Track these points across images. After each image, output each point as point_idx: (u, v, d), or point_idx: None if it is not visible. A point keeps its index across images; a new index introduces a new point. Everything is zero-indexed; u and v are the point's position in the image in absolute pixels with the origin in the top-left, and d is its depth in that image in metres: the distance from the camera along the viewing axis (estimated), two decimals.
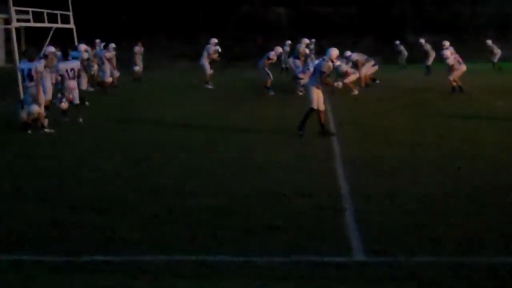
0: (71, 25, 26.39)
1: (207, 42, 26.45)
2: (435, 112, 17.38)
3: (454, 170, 10.13)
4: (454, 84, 22.31)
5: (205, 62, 26.10)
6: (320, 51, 40.04)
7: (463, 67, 22.49)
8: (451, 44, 25.08)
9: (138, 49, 28.89)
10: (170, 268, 6.13)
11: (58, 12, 24.77)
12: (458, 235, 6.92)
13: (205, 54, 26.09)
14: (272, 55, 23.63)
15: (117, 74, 25.38)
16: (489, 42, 31.08)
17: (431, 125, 14.99)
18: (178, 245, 6.73)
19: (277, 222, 7.42)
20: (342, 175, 9.89)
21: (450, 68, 22.43)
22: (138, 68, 28.86)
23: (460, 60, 22.43)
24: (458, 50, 25.85)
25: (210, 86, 25.69)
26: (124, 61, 28.30)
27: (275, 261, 6.26)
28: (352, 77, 23.13)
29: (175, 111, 18.30)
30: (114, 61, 25.08)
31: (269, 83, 23.21)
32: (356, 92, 22.24)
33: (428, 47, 30.48)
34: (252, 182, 9.53)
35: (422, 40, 30.89)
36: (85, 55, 21.63)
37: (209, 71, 26.13)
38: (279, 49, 24.46)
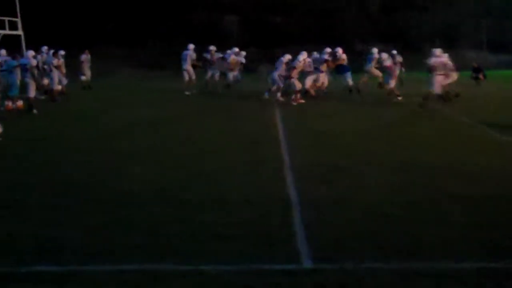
0: (19, 32, 25.99)
1: (186, 49, 26.63)
2: (386, 120, 17.58)
3: (401, 177, 10.23)
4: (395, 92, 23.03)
5: (189, 67, 26.16)
6: (273, 60, 40.36)
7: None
8: (399, 53, 25.51)
9: (85, 57, 28.61)
10: (117, 278, 6.05)
11: (6, 19, 24.38)
12: (405, 241, 6.99)
13: (188, 60, 26.15)
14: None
15: (65, 81, 25.03)
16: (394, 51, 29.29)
17: (381, 133, 15.14)
18: (125, 254, 6.64)
19: (225, 230, 7.39)
20: (291, 182, 9.89)
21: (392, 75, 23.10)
22: (85, 77, 28.59)
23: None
24: (405, 59, 26.38)
25: (187, 93, 25.76)
26: (73, 68, 27.97)
27: (223, 269, 6.23)
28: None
29: (123, 118, 18.15)
30: (63, 68, 24.75)
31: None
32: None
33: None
34: (201, 190, 9.48)
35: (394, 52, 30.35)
36: (33, 62, 21.29)
37: (193, 76, 26.20)
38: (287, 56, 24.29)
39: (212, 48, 27.51)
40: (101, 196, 9.14)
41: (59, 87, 24.08)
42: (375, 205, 8.48)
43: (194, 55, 26.49)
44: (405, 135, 14.72)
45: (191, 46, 26.70)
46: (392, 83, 23.18)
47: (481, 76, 29.87)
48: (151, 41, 44.27)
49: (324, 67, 24.16)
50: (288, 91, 22.60)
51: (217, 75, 27.26)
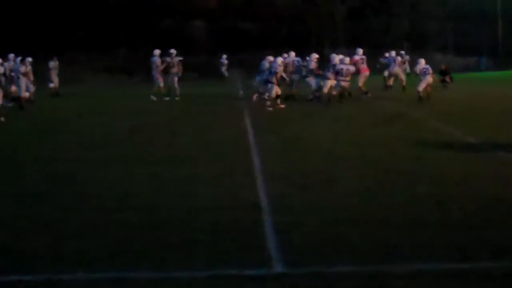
0: None
1: (153, 55, 26.59)
2: (357, 124, 17.74)
3: (372, 180, 10.35)
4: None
5: (156, 74, 26.08)
6: (241, 63, 40.43)
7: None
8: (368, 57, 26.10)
9: (53, 64, 28.40)
10: (89, 286, 6.04)
11: None
12: (376, 244, 7.05)
13: (153, 66, 26.10)
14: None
15: (32, 88, 24.80)
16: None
17: (351, 137, 15.26)
18: (97, 262, 6.62)
19: (197, 236, 7.39)
20: (262, 187, 9.93)
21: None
22: (53, 84, 28.39)
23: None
24: (374, 64, 26.77)
25: (154, 98, 25.76)
26: (40, 75, 27.75)
27: (195, 275, 6.24)
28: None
29: (93, 124, 18.07)
30: (31, 75, 24.55)
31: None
32: None
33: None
34: (173, 196, 9.49)
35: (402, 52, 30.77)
36: (0, 70, 21.11)
37: (161, 83, 26.16)
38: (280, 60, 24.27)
39: (173, 51, 27.48)
40: (73, 203, 9.10)
41: (27, 94, 23.85)
42: (347, 209, 8.56)
43: (159, 61, 26.45)
44: (377, 139, 14.84)
45: (157, 52, 26.68)
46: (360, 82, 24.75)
47: (448, 78, 30.26)
48: (119, 47, 44.14)
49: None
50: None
51: (176, 79, 27.22)
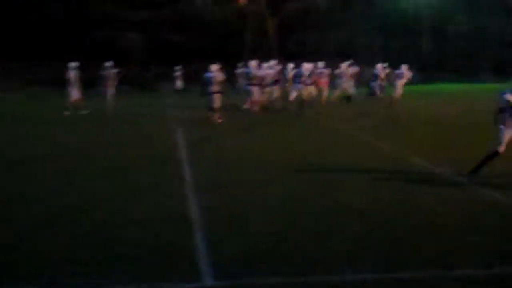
0: None
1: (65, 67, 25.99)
2: (285, 135, 17.94)
3: (299, 191, 10.47)
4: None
5: (69, 87, 25.56)
6: (170, 77, 40.35)
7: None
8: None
9: None
10: None
11: None
12: (304, 255, 7.13)
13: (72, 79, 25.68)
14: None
15: None
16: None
17: (280, 149, 15.40)
18: (26, 278, 6.50)
19: (126, 250, 7.33)
20: (193, 200, 9.91)
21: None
22: None
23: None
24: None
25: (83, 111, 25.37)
26: None
27: None
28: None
29: (24, 137, 17.75)
30: None
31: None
32: None
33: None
34: (104, 209, 9.37)
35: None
36: None
37: (75, 97, 25.64)
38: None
39: (108, 64, 27.20)
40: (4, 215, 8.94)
41: None
42: (279, 220, 8.63)
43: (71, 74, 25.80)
44: (308, 151, 15.06)
45: (73, 65, 26.02)
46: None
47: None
48: (50, 58, 43.35)
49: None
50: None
51: (110, 94, 26.99)
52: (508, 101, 11.21)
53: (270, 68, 26.36)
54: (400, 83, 27.00)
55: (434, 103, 28.31)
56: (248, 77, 25.87)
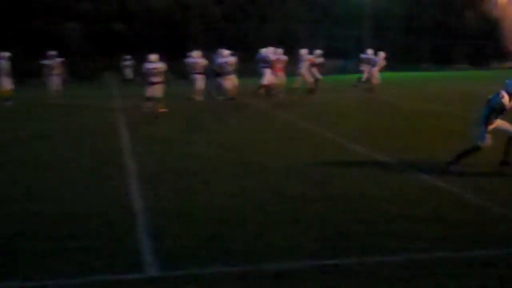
0: None
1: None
2: (234, 127, 17.98)
3: (246, 181, 10.51)
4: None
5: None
6: (116, 66, 39.96)
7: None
8: (241, 60, 26.49)
9: None
10: None
11: None
12: (251, 244, 7.18)
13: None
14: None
15: None
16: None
17: (227, 139, 15.41)
18: None
19: (71, 243, 7.27)
20: (136, 191, 9.87)
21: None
22: None
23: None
24: (246, 67, 27.19)
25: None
26: None
27: (67, 283, 6.14)
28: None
29: None
30: None
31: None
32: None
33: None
34: (46, 202, 9.27)
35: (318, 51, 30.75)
36: None
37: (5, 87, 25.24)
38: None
39: (52, 53, 26.82)
40: None
41: None
42: (222, 210, 8.65)
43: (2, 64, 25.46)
44: (250, 140, 15.12)
45: (4, 55, 25.55)
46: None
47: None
48: None
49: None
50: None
51: (56, 84, 26.66)
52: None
53: (231, 55, 26.22)
54: (375, 71, 29.32)
55: (377, 92, 28.67)
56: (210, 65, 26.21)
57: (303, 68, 28.84)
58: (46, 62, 26.69)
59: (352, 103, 24.71)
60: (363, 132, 16.03)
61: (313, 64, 29.26)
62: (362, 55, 31.03)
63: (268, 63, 26.88)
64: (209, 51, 28.52)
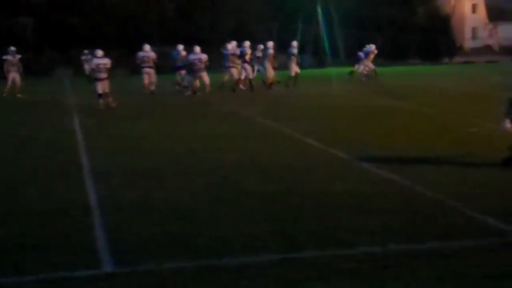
0: None
1: None
2: (189, 121, 17.94)
3: (202, 177, 10.49)
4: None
5: None
6: (69, 61, 39.44)
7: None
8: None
9: None
10: None
11: None
12: (208, 239, 7.16)
13: None
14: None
15: None
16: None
17: (181, 133, 15.37)
18: None
19: (23, 240, 7.18)
20: (91, 187, 9.79)
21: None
22: None
23: None
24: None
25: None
26: None
27: (23, 280, 6.05)
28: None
29: None
30: None
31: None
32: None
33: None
34: (2, 200, 9.14)
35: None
36: None
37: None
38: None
39: (12, 48, 26.68)
40: None
41: None
42: (179, 206, 8.64)
43: None
44: (207, 136, 15.09)
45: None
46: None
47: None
48: None
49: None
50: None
51: (17, 80, 26.51)
52: None
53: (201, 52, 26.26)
54: (368, 60, 33.29)
55: (328, 88, 28.90)
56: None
57: (266, 62, 29.15)
58: (6, 58, 26.60)
59: (306, 98, 24.84)
60: (319, 127, 16.13)
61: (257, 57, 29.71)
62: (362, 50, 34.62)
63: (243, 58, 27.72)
64: (164, 46, 28.52)
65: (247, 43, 28.57)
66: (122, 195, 9.25)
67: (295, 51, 29.68)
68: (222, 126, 16.88)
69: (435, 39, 56.43)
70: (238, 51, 27.65)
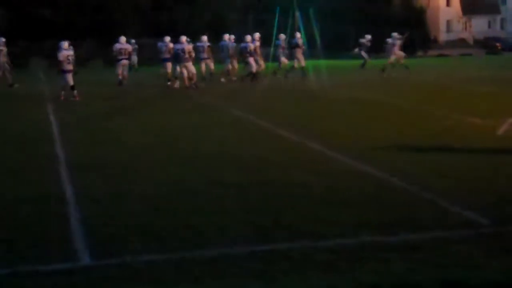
0: None
1: None
2: (167, 113, 17.90)
3: (177, 168, 10.50)
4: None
5: None
6: (40, 53, 39.06)
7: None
8: None
9: None
10: None
11: None
12: (183, 231, 7.19)
13: None
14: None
15: None
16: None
17: (155, 127, 15.35)
18: None
19: (0, 233, 7.17)
20: (66, 179, 9.75)
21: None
22: None
23: None
24: None
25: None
26: None
27: None
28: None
29: None
30: None
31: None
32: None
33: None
34: None
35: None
36: None
37: None
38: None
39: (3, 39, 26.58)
40: None
41: None
42: (154, 198, 8.64)
43: None
44: (182, 126, 15.07)
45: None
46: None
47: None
48: None
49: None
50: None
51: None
52: None
53: (188, 42, 26.28)
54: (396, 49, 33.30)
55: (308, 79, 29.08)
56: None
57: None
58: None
59: (281, 91, 24.91)
60: (293, 119, 16.19)
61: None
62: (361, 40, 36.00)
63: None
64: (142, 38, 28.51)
65: (257, 35, 29.51)
66: (98, 188, 9.23)
67: (300, 41, 30.88)
68: (196, 117, 16.87)
69: (409, 32, 56.68)
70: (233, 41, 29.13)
